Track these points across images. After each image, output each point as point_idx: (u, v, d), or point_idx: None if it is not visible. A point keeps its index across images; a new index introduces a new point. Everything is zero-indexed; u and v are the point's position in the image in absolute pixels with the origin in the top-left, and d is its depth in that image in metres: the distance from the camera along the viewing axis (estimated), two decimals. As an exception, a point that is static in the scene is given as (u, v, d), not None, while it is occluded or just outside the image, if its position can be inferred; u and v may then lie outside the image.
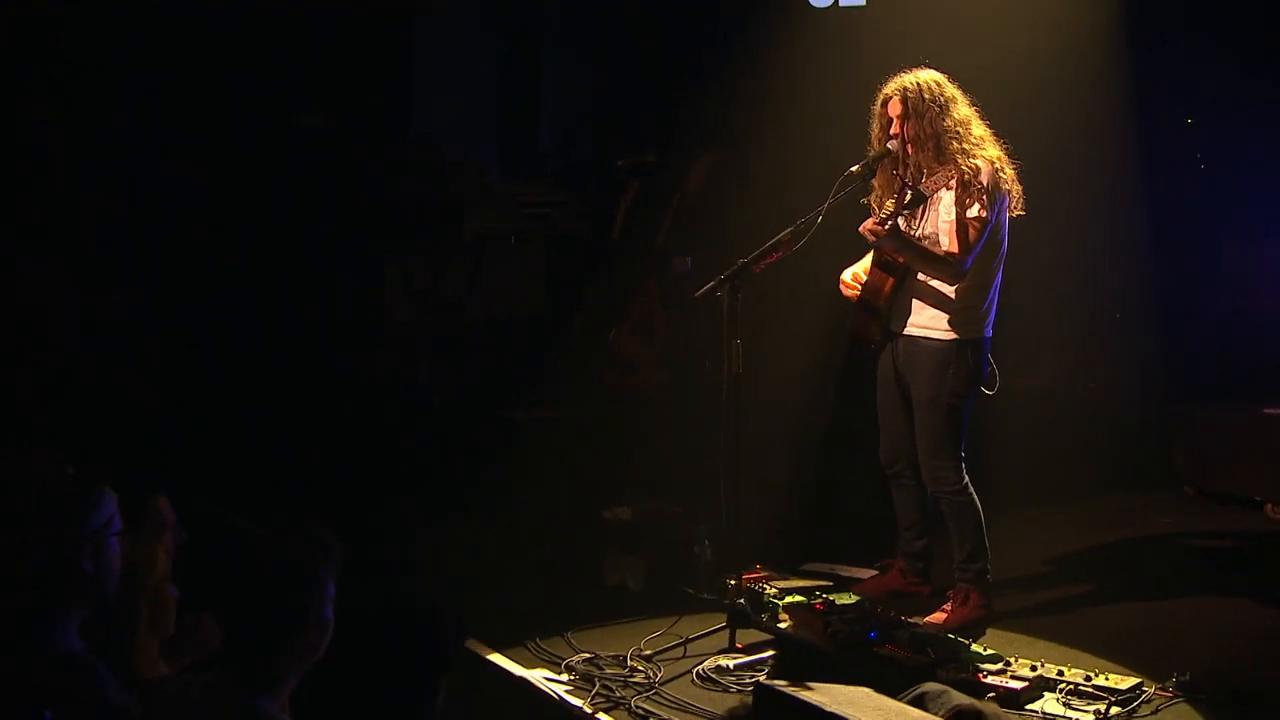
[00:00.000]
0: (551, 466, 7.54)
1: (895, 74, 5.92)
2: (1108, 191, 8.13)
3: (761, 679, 5.14)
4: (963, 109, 5.80)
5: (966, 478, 5.97)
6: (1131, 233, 8.27)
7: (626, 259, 8.41)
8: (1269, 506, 7.59)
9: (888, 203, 5.79)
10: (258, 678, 3.66)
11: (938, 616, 5.92)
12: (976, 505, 5.97)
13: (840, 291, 6.17)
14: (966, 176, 5.69)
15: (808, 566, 6.60)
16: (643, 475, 7.43)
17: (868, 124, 7.80)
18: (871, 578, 6.41)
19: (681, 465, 7.60)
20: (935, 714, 4.57)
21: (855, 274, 6.13)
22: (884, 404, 6.22)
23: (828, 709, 4.32)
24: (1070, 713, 4.97)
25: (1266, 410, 7.86)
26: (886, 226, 5.71)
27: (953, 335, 5.87)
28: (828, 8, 9.82)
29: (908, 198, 5.71)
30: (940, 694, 4.73)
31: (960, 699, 4.69)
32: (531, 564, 6.57)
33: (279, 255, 7.84)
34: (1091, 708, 4.99)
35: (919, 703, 4.67)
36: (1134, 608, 6.19)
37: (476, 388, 7.94)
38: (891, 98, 5.84)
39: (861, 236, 5.94)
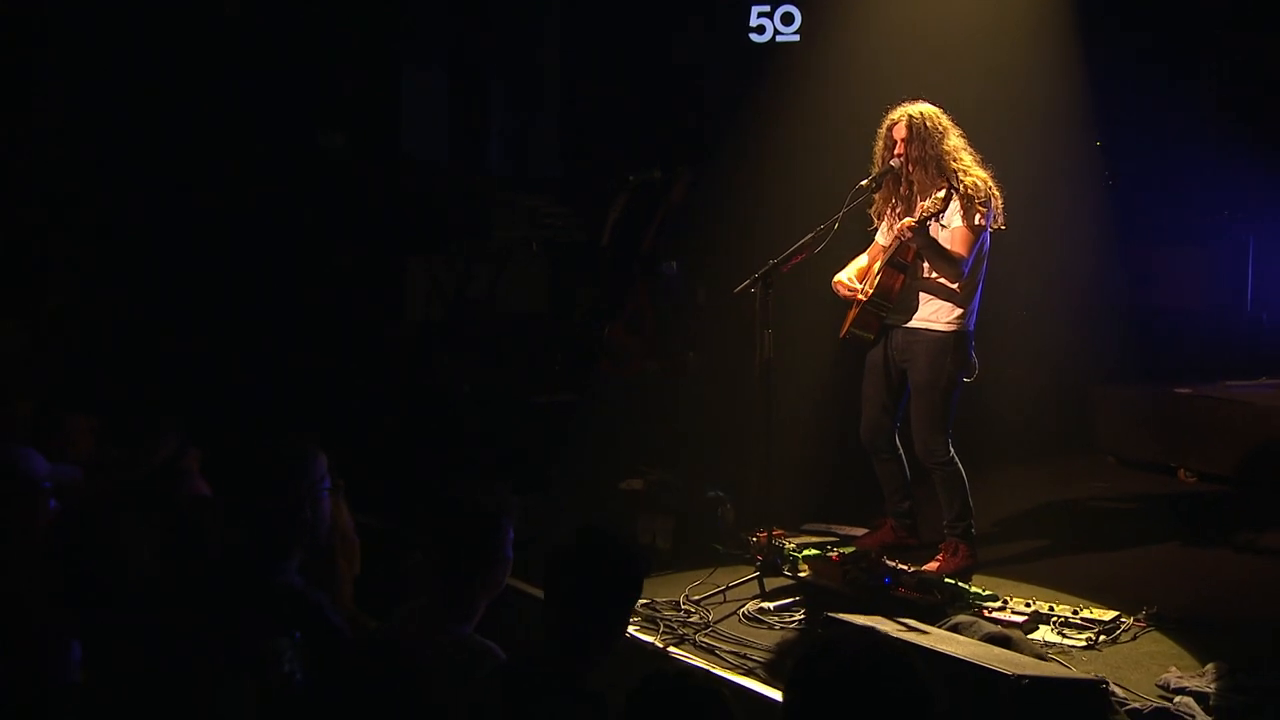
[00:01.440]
0: (569, 444, 7.88)
1: (900, 103, 6.25)
2: (1026, 204, 8.53)
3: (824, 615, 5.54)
4: (955, 138, 6.18)
5: (953, 451, 6.35)
6: (1053, 240, 8.67)
7: (618, 263, 8.72)
8: (1181, 471, 7.98)
9: (923, 205, 6.04)
10: (457, 609, 4.02)
11: (931, 566, 6.26)
12: (963, 473, 6.34)
13: (836, 292, 6.47)
14: (970, 191, 6.07)
15: (807, 526, 6.93)
16: (646, 451, 7.78)
17: (811, 144, 8.30)
18: (866, 534, 6.74)
19: (678, 442, 7.99)
20: (971, 638, 5.03)
21: (851, 277, 6.46)
22: (870, 390, 6.53)
23: (894, 636, 4.76)
24: (1066, 641, 5.38)
25: (1176, 389, 8.26)
26: (922, 225, 6.01)
27: (951, 327, 6.22)
28: (766, 42, 10.26)
29: (937, 204, 5.97)
30: (971, 623, 5.17)
31: (989, 627, 5.13)
32: (569, 528, 6.84)
33: (315, 259, 8.14)
34: (1083, 636, 5.41)
35: (955, 630, 5.11)
36: (1092, 556, 6.61)
37: (499, 376, 8.24)
38: (898, 123, 6.18)
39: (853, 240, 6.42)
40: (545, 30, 10.80)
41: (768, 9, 10.26)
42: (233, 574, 3.95)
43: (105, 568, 3.72)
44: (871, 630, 3.00)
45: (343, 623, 4.01)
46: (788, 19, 10.22)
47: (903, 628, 4.87)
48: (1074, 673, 4.84)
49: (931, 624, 5.15)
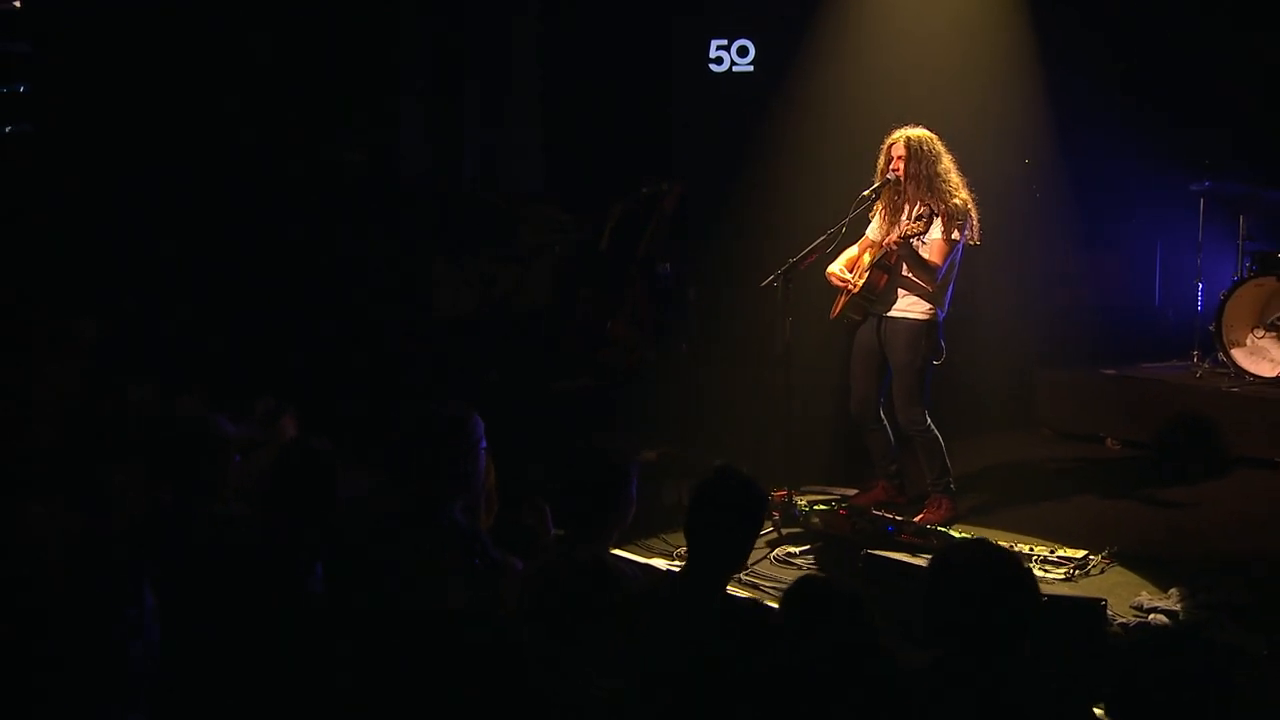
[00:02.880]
0: (587, 423, 8.30)
1: (901, 125, 6.72)
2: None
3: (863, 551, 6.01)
4: (947, 161, 6.66)
5: (930, 420, 6.88)
6: (996, 245, 9.05)
7: (617, 265, 9.19)
8: (1108, 440, 8.50)
9: (911, 225, 6.53)
10: (593, 539, 4.49)
11: (919, 518, 6.73)
12: (940, 439, 6.86)
13: (829, 281, 6.92)
14: (951, 210, 6.58)
15: (806, 488, 7.30)
16: (654, 428, 8.21)
17: (789, 161, 8.74)
18: (860, 492, 7.19)
19: (682, 420, 8.43)
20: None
21: (842, 267, 6.89)
22: (858, 369, 7.00)
23: (923, 565, 5.30)
24: (1048, 575, 5.92)
25: (1104, 370, 8.82)
26: (905, 240, 6.58)
27: (925, 316, 6.73)
28: (724, 72, 10.75)
29: (919, 225, 6.51)
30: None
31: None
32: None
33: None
34: (1061, 570, 5.97)
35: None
36: (1047, 507, 7.13)
37: (521, 364, 8.67)
38: (896, 142, 6.65)
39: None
40: (522, 56, 11.13)
41: (725, 42, 10.77)
42: (410, 513, 4.41)
43: (327, 506, 4.14)
44: (984, 540, 3.52)
45: (500, 556, 4.48)
46: (743, 51, 10.71)
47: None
48: (1079, 594, 5.42)
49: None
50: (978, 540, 3.51)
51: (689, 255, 9.27)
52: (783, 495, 6.71)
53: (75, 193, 8.58)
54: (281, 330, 7.98)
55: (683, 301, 9.18)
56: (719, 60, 10.75)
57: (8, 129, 9.57)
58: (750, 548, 4.21)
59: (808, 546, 6.47)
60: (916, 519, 6.76)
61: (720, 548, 4.08)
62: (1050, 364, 9.07)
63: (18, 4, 9.36)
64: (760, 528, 4.25)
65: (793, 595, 3.60)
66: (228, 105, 8.69)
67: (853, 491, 7.33)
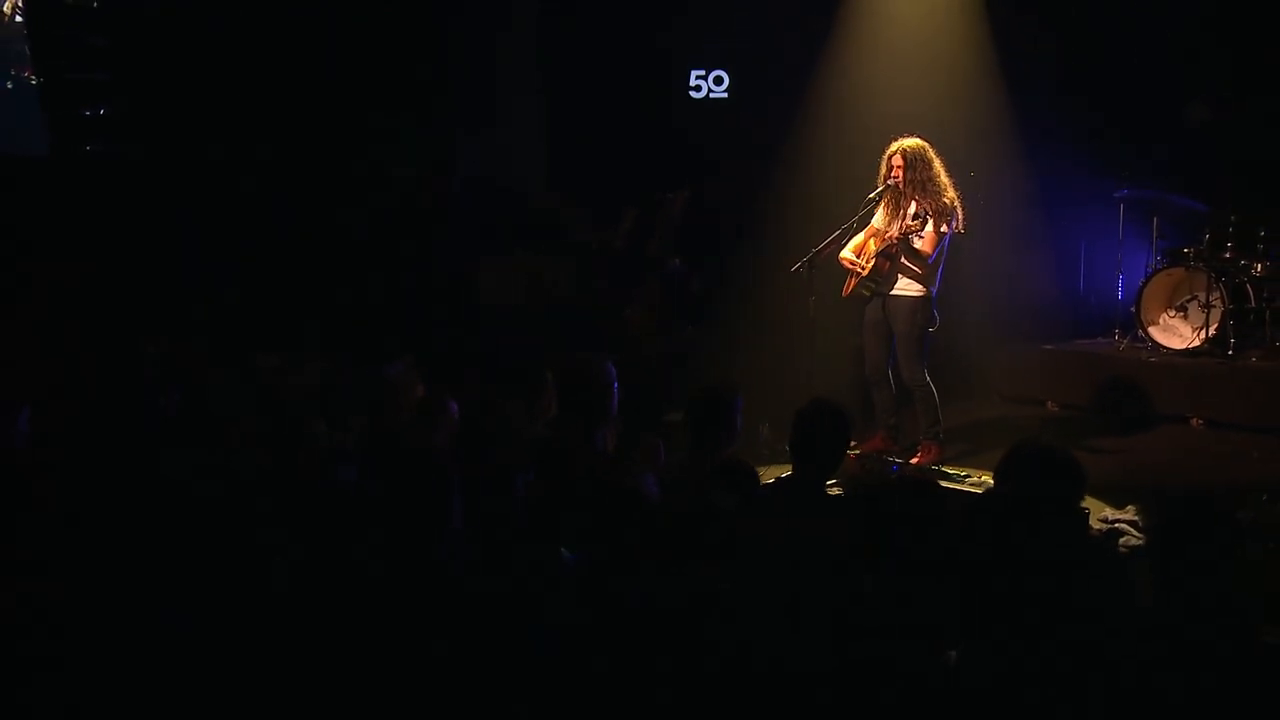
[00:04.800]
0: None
1: (898, 137, 7.51)
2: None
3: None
4: (937, 164, 7.45)
5: (928, 376, 7.71)
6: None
7: (632, 261, 9.91)
8: (1049, 403, 9.41)
9: (909, 225, 7.35)
10: (708, 456, 5.27)
11: (914, 460, 7.58)
12: (935, 393, 7.66)
13: (842, 265, 7.72)
14: (939, 208, 7.38)
15: None
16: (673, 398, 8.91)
17: (784, 169, 9.45)
18: (858, 443, 7.82)
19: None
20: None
21: (853, 252, 7.68)
22: (870, 339, 7.80)
23: (947, 485, 6.16)
24: None
25: (1044, 346, 9.75)
26: (905, 238, 7.42)
27: (919, 292, 7.55)
28: (702, 99, 11.49)
29: (917, 224, 7.34)
30: (981, 484, 6.61)
31: (992, 484, 6.57)
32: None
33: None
34: None
35: (972, 487, 6.52)
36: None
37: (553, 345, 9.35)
38: (895, 153, 7.45)
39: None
40: (521, 59, 11.52)
41: (703, 72, 11.50)
42: (568, 439, 5.16)
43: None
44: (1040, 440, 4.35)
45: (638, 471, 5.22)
46: (719, 80, 11.44)
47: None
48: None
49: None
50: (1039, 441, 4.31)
51: (694, 252, 9.97)
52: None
53: (166, 200, 9.17)
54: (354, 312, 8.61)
55: (690, 292, 9.89)
56: (698, 88, 11.43)
57: (88, 147, 10.10)
58: (841, 457, 5.01)
59: (830, 480, 7.23)
60: (913, 461, 7.62)
61: (820, 457, 4.88)
62: (999, 342, 9.81)
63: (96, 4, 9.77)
64: (848, 443, 5.03)
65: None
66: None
67: (853, 442, 8.10)
